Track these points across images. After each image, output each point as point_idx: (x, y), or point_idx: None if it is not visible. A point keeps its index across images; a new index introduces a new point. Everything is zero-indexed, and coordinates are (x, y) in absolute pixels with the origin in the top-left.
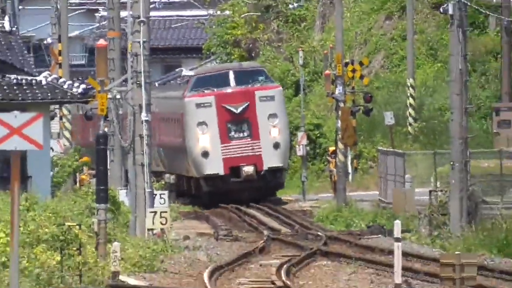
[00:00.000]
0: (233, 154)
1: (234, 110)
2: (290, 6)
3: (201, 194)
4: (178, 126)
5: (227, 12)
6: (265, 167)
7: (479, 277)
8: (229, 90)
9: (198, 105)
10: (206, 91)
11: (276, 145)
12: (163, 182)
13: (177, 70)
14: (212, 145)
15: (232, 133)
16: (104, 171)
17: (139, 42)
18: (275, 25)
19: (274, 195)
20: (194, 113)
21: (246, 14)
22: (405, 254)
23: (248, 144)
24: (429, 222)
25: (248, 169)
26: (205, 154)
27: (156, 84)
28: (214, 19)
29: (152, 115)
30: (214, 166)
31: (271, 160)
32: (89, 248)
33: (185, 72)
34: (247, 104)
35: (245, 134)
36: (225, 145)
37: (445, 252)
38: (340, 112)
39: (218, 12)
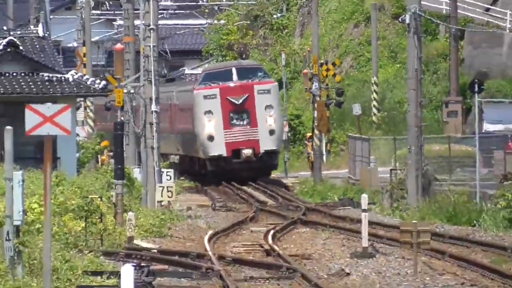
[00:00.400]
0: (234, 138)
1: (236, 101)
2: (275, 16)
3: (207, 172)
4: (189, 115)
5: (222, 21)
6: (262, 150)
7: (432, 242)
8: (231, 84)
9: (205, 97)
10: (212, 85)
11: (272, 132)
12: (168, 162)
13: (180, 69)
14: (216, 130)
15: (234, 120)
16: (121, 153)
17: (149, 46)
18: (262, 32)
19: (270, 174)
20: (202, 103)
21: (238, 22)
22: (370, 223)
23: (247, 130)
24: (390, 196)
25: (247, 152)
26: (211, 138)
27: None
28: (211, 27)
29: (169, 106)
30: (218, 149)
31: (267, 144)
32: (108, 217)
33: (187, 70)
34: (247, 96)
35: (245, 122)
36: (228, 130)
37: (404, 221)
38: (316, 105)
39: (215, 21)
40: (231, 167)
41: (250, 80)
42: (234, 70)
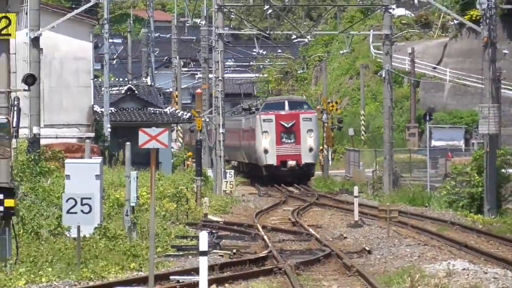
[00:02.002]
0: (283, 152)
1: (286, 125)
2: (298, 71)
3: (263, 176)
4: (252, 133)
5: (265, 75)
6: (303, 162)
7: (399, 217)
8: (284, 112)
9: (264, 120)
10: (269, 112)
11: (311, 149)
12: (231, 165)
13: (238, 106)
14: (270, 145)
15: (284, 139)
16: (200, 159)
17: (218, 90)
18: (290, 82)
19: (309, 180)
20: (261, 125)
21: (275, 75)
22: (360, 205)
23: (293, 147)
24: (372, 187)
25: (292, 163)
26: (266, 151)
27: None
28: (258, 79)
29: (239, 129)
30: (271, 159)
31: (307, 158)
32: (191, 201)
33: (243, 106)
34: (294, 121)
35: (292, 140)
36: (279, 146)
37: (381, 203)
38: (325, 128)
39: (261, 75)
40: (280, 173)
41: (297, 110)
42: (286, 102)
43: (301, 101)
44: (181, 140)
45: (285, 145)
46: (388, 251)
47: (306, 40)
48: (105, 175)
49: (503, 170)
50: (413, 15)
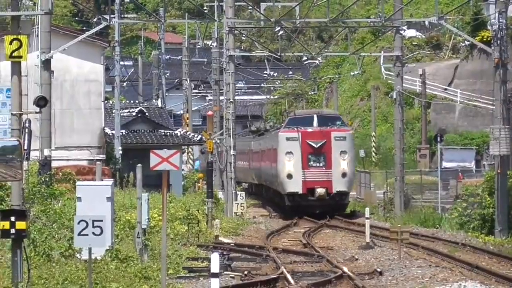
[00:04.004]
0: (310, 178)
1: (315, 145)
2: (310, 93)
3: (284, 206)
4: (273, 155)
5: (276, 97)
6: (334, 190)
7: (410, 238)
8: (312, 129)
9: (288, 139)
10: (294, 129)
11: (344, 175)
12: (242, 187)
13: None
14: (295, 170)
15: (311, 162)
16: (211, 181)
17: (229, 112)
18: (302, 104)
19: (341, 211)
20: (284, 145)
21: (286, 97)
22: (371, 226)
23: (323, 171)
24: (383, 209)
25: (321, 191)
26: (290, 176)
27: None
28: (269, 101)
29: (258, 150)
30: (296, 186)
31: (339, 185)
32: (202, 223)
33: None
34: (325, 141)
35: (321, 164)
36: (305, 171)
37: (392, 225)
38: None
39: (271, 97)
40: (306, 204)
41: (329, 127)
42: (315, 117)
43: (334, 116)
44: (192, 162)
45: (313, 170)
46: (400, 273)
47: (317, 61)
48: (116, 197)
49: None
50: (424, 36)
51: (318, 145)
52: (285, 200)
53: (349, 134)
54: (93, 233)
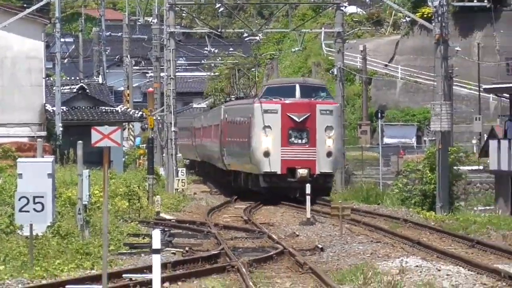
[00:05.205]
0: (291, 156)
1: (297, 119)
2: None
3: (259, 188)
4: (245, 129)
5: (217, 73)
6: (317, 172)
7: (351, 214)
8: (293, 100)
9: (266, 111)
10: (273, 100)
11: (329, 154)
12: (184, 163)
13: (189, 104)
14: (273, 147)
15: (293, 138)
16: (152, 158)
17: (170, 89)
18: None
19: (325, 195)
20: (261, 117)
21: (227, 74)
22: (312, 202)
23: (305, 150)
24: None
25: (303, 172)
26: (267, 154)
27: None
28: (210, 77)
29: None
30: (274, 166)
31: (324, 166)
32: (143, 199)
33: (195, 105)
34: (308, 114)
35: (304, 141)
36: (285, 148)
37: (333, 201)
38: None
39: (212, 73)
40: (285, 185)
41: (313, 99)
42: (297, 87)
43: (319, 85)
44: (132, 139)
45: (294, 147)
46: (341, 249)
47: (257, 38)
48: (57, 173)
49: (455, 167)
50: (364, 12)
51: (301, 119)
52: (260, 181)
53: (336, 107)
54: (34, 209)
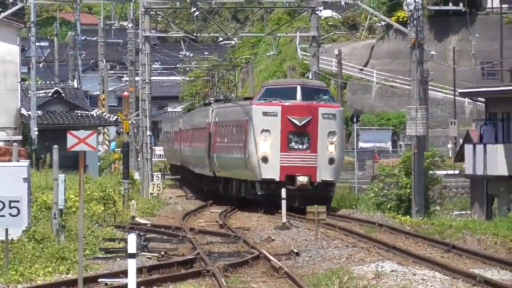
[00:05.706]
0: (290, 163)
1: (297, 123)
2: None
3: (256, 196)
4: (241, 133)
5: (192, 78)
6: (318, 179)
7: (327, 219)
8: (294, 103)
9: (265, 113)
10: (272, 102)
11: (331, 161)
12: (158, 168)
13: (165, 108)
14: (272, 152)
15: (293, 143)
16: (127, 162)
17: (145, 93)
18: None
19: (325, 204)
20: (259, 120)
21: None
22: (288, 208)
23: (306, 156)
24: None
25: (303, 180)
26: (265, 159)
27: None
28: (185, 81)
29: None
30: (272, 172)
31: (325, 173)
32: (119, 203)
33: (170, 109)
34: (310, 118)
35: (304, 146)
36: (285, 154)
37: (309, 206)
38: None
39: (187, 78)
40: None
41: (315, 101)
42: (298, 89)
43: (321, 88)
44: (107, 143)
45: (294, 153)
46: (317, 253)
47: (232, 42)
48: (33, 178)
49: (430, 172)
50: (340, 16)
51: (302, 122)
52: (256, 188)
53: (339, 111)
54: (10, 214)
